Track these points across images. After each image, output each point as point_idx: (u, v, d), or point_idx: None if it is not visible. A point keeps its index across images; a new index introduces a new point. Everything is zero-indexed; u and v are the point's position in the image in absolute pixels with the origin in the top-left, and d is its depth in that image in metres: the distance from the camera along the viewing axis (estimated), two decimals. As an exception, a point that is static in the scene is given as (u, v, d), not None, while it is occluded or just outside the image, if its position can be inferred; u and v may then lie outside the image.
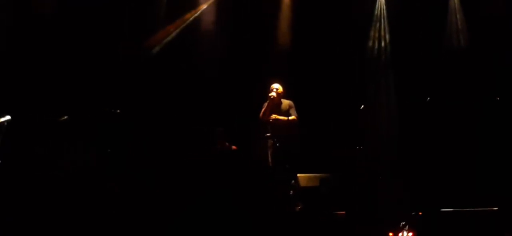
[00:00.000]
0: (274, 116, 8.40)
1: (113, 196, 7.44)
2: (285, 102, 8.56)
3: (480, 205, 7.35)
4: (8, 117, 6.77)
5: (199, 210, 7.59)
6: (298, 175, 8.47)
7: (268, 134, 8.44)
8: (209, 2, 10.67)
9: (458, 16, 10.35)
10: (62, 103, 8.77)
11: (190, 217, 7.32)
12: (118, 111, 8.48)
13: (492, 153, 9.18)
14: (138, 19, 10.28)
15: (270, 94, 8.44)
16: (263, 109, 8.50)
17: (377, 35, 10.61)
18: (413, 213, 7.34)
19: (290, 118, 8.43)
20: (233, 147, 9.54)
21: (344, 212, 7.90)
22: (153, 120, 9.91)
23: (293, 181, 8.39)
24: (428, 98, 8.94)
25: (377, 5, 10.67)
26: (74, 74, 9.36)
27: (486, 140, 9.38)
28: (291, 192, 8.31)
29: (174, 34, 10.56)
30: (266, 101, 8.49)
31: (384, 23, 10.60)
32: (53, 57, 9.29)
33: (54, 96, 8.96)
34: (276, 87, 8.54)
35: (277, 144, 8.34)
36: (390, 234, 6.77)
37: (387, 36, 10.57)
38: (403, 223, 6.93)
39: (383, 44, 10.59)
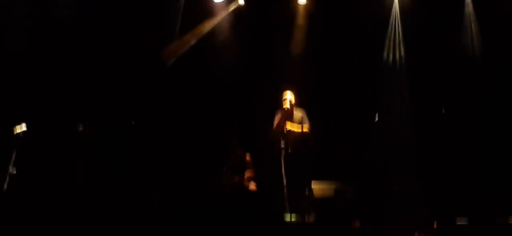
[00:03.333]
0: (288, 127, 8.36)
1: (123, 202, 7.47)
2: (298, 111, 8.53)
3: (496, 216, 7.27)
4: (24, 127, 6.85)
5: (208, 217, 7.61)
6: (312, 185, 8.42)
7: (282, 145, 8.40)
8: (224, 12, 10.71)
9: (472, 23, 10.29)
10: (77, 112, 8.85)
11: (199, 223, 7.34)
12: (133, 122, 8.52)
13: (510, 163, 9.10)
14: (154, 27, 10.33)
15: (284, 106, 8.39)
16: (276, 120, 8.46)
17: (391, 42, 10.56)
18: (428, 223, 7.28)
19: (304, 129, 8.38)
20: (247, 158, 9.55)
21: (358, 222, 7.86)
22: (166, 126, 9.95)
23: (307, 191, 8.35)
24: (443, 110, 8.86)
25: (392, 13, 10.63)
26: (89, 83, 9.44)
27: (502, 149, 9.29)
28: (305, 202, 8.27)
29: (190, 44, 10.61)
30: (278, 110, 8.46)
31: (398, 30, 10.56)
32: (68, 65, 9.38)
33: (69, 105, 9.05)
34: (290, 97, 8.51)
35: (289, 152, 8.29)
36: (405, 243, 6.75)
37: (402, 44, 10.52)
38: (418, 232, 6.90)
39: (397, 52, 10.54)
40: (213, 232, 7.16)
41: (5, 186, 6.63)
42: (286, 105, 8.38)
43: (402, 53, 10.52)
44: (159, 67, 10.30)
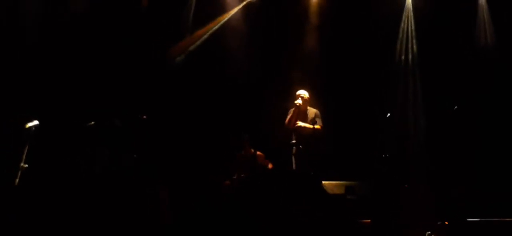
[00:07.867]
0: (299, 123, 8.38)
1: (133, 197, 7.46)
2: (312, 110, 8.55)
3: (508, 216, 7.21)
4: (36, 122, 6.87)
5: (222, 214, 7.60)
6: (323, 182, 8.40)
7: (293, 141, 8.43)
8: (235, 9, 10.68)
9: (486, 21, 10.20)
10: (89, 108, 8.87)
11: (212, 220, 7.34)
12: (145, 117, 8.52)
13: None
14: (166, 25, 10.33)
15: (296, 101, 8.42)
16: (289, 116, 8.49)
17: (404, 41, 10.51)
18: (439, 222, 7.23)
19: (315, 126, 8.41)
20: (258, 152, 9.53)
21: (369, 220, 7.83)
22: (179, 125, 9.95)
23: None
24: (456, 107, 8.80)
25: (404, 12, 10.57)
26: (101, 79, 9.46)
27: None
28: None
29: (200, 41, 10.59)
30: (292, 108, 8.48)
31: (411, 29, 10.50)
32: (81, 62, 9.41)
33: (81, 101, 9.08)
34: (303, 94, 8.53)
35: (301, 148, 8.29)
36: (416, 243, 6.71)
37: (414, 43, 10.46)
38: (429, 232, 6.86)
39: (410, 50, 10.48)
40: (220, 230, 7.18)
41: (17, 181, 6.65)
42: (298, 101, 8.40)
43: (415, 49, 10.46)
44: (170, 64, 10.31)
